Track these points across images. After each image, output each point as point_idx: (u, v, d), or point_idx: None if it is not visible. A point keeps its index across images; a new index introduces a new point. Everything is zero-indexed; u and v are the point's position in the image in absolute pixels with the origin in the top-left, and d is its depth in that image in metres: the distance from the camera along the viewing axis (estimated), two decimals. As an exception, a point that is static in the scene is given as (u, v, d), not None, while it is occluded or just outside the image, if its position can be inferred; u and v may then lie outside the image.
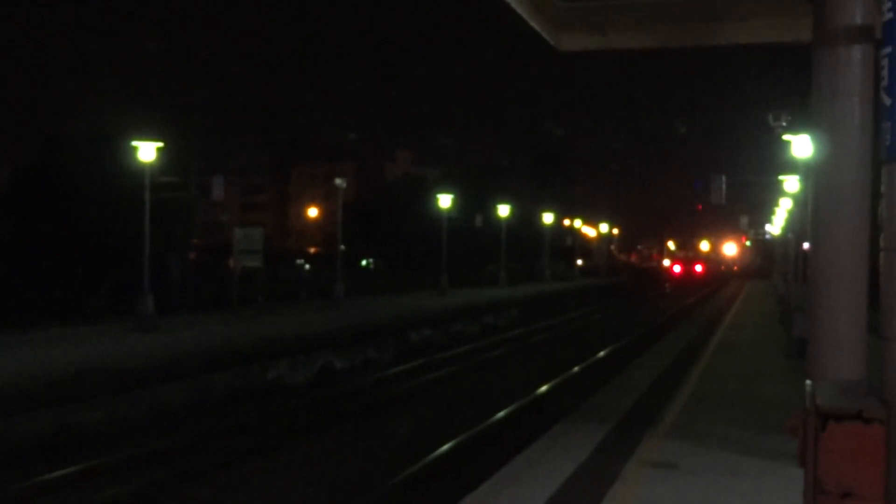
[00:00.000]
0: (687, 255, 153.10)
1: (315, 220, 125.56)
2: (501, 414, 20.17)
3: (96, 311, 35.14)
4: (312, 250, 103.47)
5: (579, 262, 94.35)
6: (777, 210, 51.13)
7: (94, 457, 15.85)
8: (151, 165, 28.49)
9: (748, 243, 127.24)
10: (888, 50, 5.23)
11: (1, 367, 18.65)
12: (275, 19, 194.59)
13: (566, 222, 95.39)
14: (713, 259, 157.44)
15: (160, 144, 28.50)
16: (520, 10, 14.86)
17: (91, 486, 14.34)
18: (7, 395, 16.67)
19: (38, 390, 17.35)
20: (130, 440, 17.48)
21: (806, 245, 21.26)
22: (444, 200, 53.26)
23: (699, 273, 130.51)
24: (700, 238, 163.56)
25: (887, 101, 5.20)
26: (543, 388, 24.10)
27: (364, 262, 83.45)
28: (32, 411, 16.89)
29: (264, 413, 20.56)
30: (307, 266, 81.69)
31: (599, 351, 32.91)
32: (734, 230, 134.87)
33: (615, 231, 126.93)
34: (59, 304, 38.25)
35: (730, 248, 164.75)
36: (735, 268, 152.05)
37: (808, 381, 5.15)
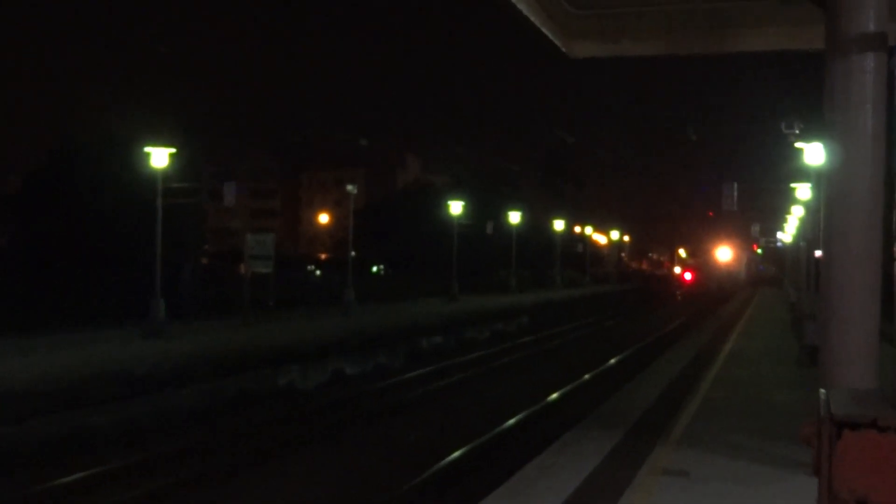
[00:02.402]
0: (687, 261, 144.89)
1: (326, 226, 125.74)
2: (512, 421, 20.15)
3: (107, 316, 35.22)
4: (323, 256, 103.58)
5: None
6: (789, 218, 51.03)
7: (104, 461, 15.89)
8: (163, 171, 28.56)
9: (759, 250, 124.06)
10: (903, 58, 5.23)
11: (12, 371, 18.73)
12: (287, 24, 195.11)
13: (577, 229, 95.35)
14: (712, 265, 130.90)
15: (172, 150, 28.57)
16: (532, 18, 14.89)
17: (101, 491, 14.38)
18: (19, 399, 16.73)
19: (49, 394, 17.41)
20: (141, 444, 17.52)
21: (818, 253, 21.20)
22: (455, 207, 53.27)
23: (689, 281, 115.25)
24: (711, 245, 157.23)
25: (902, 109, 5.20)
26: (554, 396, 24.08)
27: (375, 268, 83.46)
28: (43, 415, 16.95)
29: (274, 419, 20.58)
30: (318, 272, 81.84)
31: (610, 358, 32.86)
32: (730, 232, 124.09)
33: (626, 238, 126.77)
34: (70, 308, 38.34)
35: (724, 254, 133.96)
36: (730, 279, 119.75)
37: (822, 390, 5.13)
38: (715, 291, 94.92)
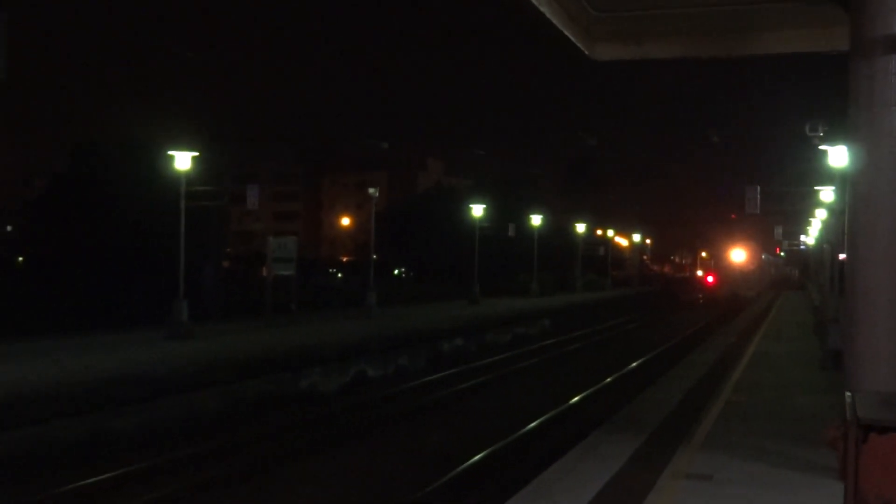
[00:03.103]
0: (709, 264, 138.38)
1: (347, 229, 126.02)
2: (534, 424, 20.12)
3: (130, 318, 35.40)
4: (344, 259, 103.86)
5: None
6: (812, 220, 50.73)
7: (128, 463, 15.97)
8: (187, 174, 28.64)
9: (782, 253, 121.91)
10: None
11: (37, 373, 18.83)
12: (308, 29, 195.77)
13: (598, 232, 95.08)
14: (726, 268, 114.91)
15: (195, 153, 28.65)
16: (554, 20, 14.85)
17: (125, 492, 14.46)
18: (44, 401, 16.83)
19: (74, 396, 17.49)
20: (165, 446, 17.59)
21: (842, 256, 21.04)
22: (477, 210, 53.22)
23: (711, 284, 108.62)
24: (725, 246, 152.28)
25: (928, 110, 5.16)
26: (576, 399, 24.03)
27: (396, 271, 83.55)
28: (68, 417, 17.03)
29: (296, 421, 20.62)
30: (339, 275, 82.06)
31: (632, 361, 32.76)
32: (747, 233, 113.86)
33: (648, 241, 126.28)
34: (94, 310, 38.57)
35: (739, 255, 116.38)
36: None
37: (847, 393, 5.08)
38: (728, 297, 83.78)
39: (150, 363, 20.92)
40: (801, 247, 73.84)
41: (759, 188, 37.59)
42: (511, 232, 63.57)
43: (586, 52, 16.67)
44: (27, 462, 15.74)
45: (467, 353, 34.92)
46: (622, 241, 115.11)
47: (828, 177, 30.32)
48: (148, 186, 43.74)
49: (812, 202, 42.08)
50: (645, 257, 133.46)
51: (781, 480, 11.40)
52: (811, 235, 58.97)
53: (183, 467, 16.09)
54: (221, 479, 15.40)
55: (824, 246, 36.45)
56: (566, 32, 15.59)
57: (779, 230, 65.22)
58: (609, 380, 28.05)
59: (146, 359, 21.66)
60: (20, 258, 62.61)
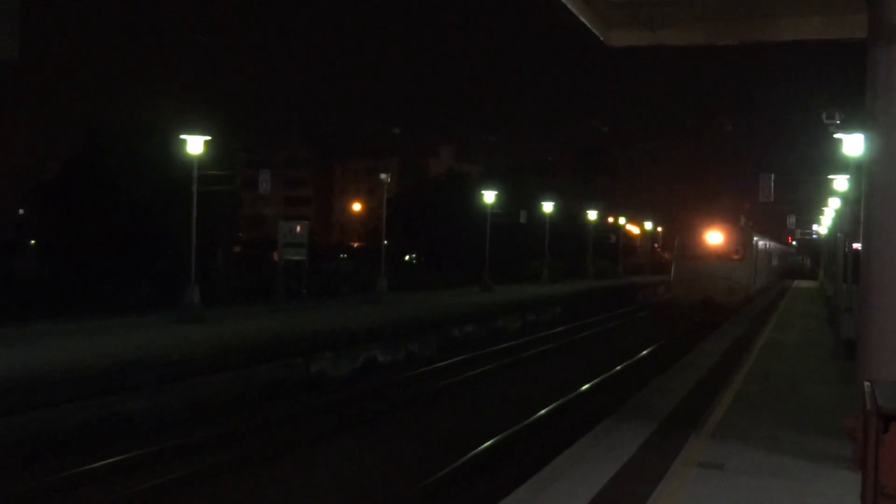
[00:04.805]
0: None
1: (358, 215, 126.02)
2: (544, 411, 20.12)
3: (141, 302, 35.45)
4: (355, 244, 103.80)
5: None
6: (825, 209, 50.53)
7: (139, 446, 16.00)
8: (199, 158, 28.60)
9: (794, 242, 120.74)
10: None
11: (49, 356, 18.87)
12: (319, 13, 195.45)
13: (610, 219, 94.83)
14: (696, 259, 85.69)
15: (208, 137, 28.59)
16: (570, 6, 14.79)
17: (136, 475, 14.48)
18: (54, 384, 16.87)
19: (86, 380, 17.53)
20: (176, 430, 17.62)
21: (856, 245, 20.93)
22: (488, 196, 53.10)
23: None
24: (698, 227, 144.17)
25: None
26: (586, 386, 24.01)
27: (407, 258, 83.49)
28: (80, 400, 17.07)
29: (307, 406, 20.64)
30: (350, 260, 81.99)
31: (642, 349, 32.71)
32: (721, 212, 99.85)
33: (659, 229, 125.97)
34: (105, 294, 38.62)
35: (715, 238, 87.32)
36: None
37: (866, 382, 5.03)
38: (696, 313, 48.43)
39: (162, 347, 20.95)
40: (814, 236, 73.51)
41: (772, 176, 37.40)
42: (522, 219, 63.39)
43: (601, 39, 16.61)
44: (40, 444, 15.78)
45: (478, 339, 34.91)
46: (633, 229, 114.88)
47: (842, 165, 30.17)
48: (160, 171, 43.75)
49: (825, 191, 41.88)
50: (656, 245, 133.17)
51: (793, 470, 11.36)
52: (824, 225, 58.77)
53: (194, 451, 16.11)
54: (233, 463, 15.42)
55: (837, 235, 36.27)
56: (582, 18, 15.53)
57: (792, 219, 65.00)
58: (619, 367, 28.03)
59: (158, 343, 21.69)
60: (32, 241, 62.73)
